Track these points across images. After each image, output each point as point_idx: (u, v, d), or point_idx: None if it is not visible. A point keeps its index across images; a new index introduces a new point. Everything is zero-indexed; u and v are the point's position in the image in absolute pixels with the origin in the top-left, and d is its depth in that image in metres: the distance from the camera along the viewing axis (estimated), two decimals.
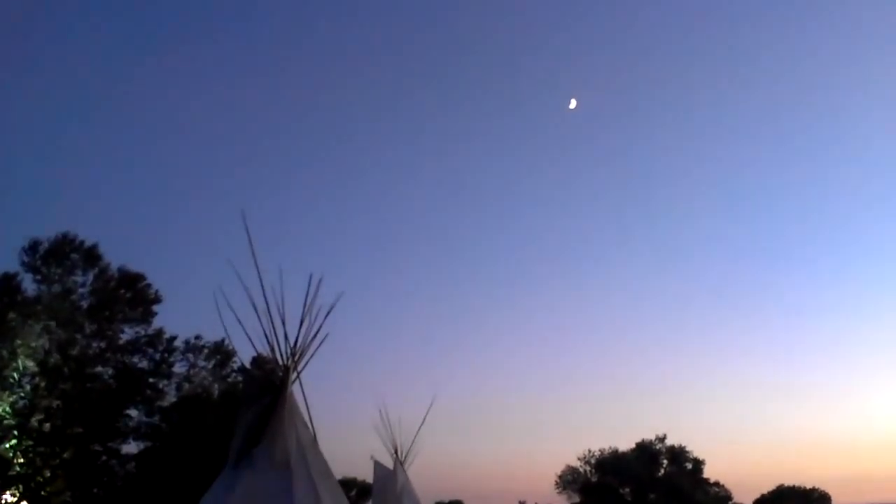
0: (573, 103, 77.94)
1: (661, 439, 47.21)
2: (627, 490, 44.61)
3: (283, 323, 13.70)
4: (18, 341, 33.32)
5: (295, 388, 13.78)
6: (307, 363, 13.96)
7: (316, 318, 13.85)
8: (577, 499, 45.43)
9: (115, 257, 37.39)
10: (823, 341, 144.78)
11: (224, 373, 39.79)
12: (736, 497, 46.10)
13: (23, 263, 34.61)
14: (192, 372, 39.17)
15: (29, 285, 34.59)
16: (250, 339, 13.57)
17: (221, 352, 38.94)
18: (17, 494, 32.78)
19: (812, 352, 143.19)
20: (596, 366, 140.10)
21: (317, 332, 13.88)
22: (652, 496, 42.77)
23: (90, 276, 35.85)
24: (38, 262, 34.75)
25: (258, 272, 13.67)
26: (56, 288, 34.81)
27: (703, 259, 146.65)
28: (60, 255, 35.00)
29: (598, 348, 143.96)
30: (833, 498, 48.16)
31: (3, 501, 32.58)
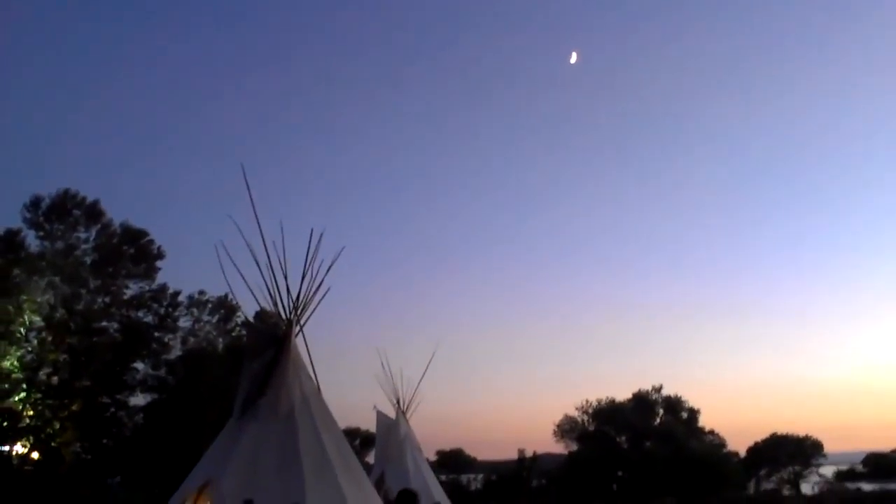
0: (574, 57, 77.30)
1: (658, 390, 47.91)
2: (624, 438, 45.39)
3: (286, 277, 13.99)
4: (24, 296, 33.73)
5: (298, 341, 14.13)
6: (309, 316, 14.30)
7: (317, 272, 14.14)
8: (574, 447, 46.20)
9: (117, 213, 37.63)
10: (817, 294, 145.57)
11: (228, 327, 40.34)
12: (730, 445, 46.96)
13: (25, 220, 34.82)
14: (196, 326, 39.72)
15: (32, 241, 34.89)
16: (253, 294, 13.88)
17: (225, 306, 39.38)
18: (28, 445, 33.59)
19: (805, 304, 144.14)
20: (594, 318, 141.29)
21: (318, 286, 14.18)
22: (647, 444, 43.52)
23: (93, 232, 36.09)
24: (41, 219, 34.93)
25: (259, 227, 13.91)
26: (59, 244, 35.05)
27: (702, 215, 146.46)
28: (62, 211, 35.15)
29: (597, 301, 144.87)
30: (825, 445, 49.25)
31: (15, 452, 33.40)
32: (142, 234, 37.31)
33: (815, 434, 48.99)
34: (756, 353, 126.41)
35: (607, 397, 48.39)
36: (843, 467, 55.65)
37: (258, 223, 13.87)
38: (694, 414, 47.79)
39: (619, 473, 43.13)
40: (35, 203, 35.01)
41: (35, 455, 34.04)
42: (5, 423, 32.04)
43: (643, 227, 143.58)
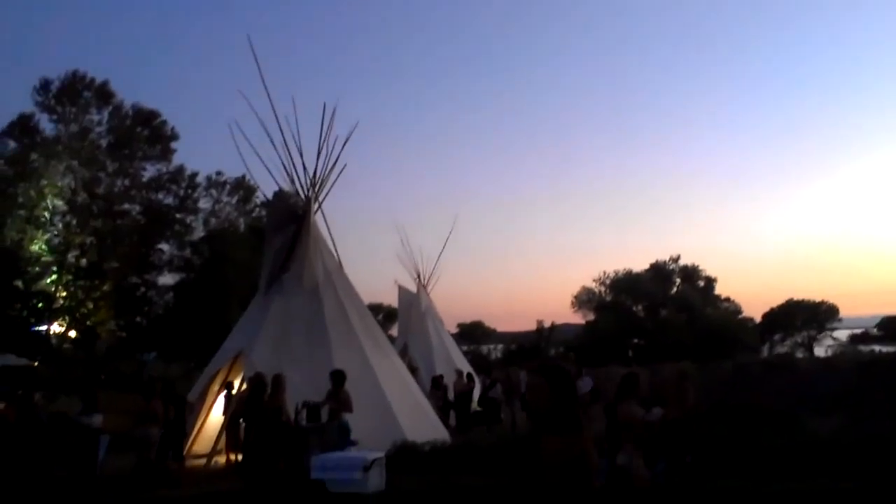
0: None
1: (675, 260, 48.29)
2: (640, 308, 46.24)
3: (301, 154, 13.88)
4: (44, 181, 33.98)
5: (317, 218, 14.21)
6: (327, 193, 14.29)
7: (333, 148, 14.00)
8: (591, 317, 47.26)
9: (127, 95, 37.14)
10: (835, 161, 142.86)
11: (248, 208, 40.67)
12: (746, 312, 47.67)
13: (37, 103, 34.48)
14: (216, 207, 40.05)
15: (46, 125, 34.74)
16: (269, 172, 13.83)
17: (243, 187, 39.50)
18: (64, 325, 34.92)
19: (820, 166, 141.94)
20: (614, 190, 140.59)
21: (335, 163, 14.08)
22: (663, 312, 44.31)
23: (105, 115, 35.77)
24: (52, 102, 34.58)
25: (271, 103, 13.65)
26: (73, 127, 34.87)
27: (715, 77, 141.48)
28: (73, 93, 34.70)
29: (616, 173, 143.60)
30: (841, 310, 49.95)
31: (53, 331, 34.78)
32: (154, 115, 36.94)
33: (831, 299, 49.74)
34: (774, 219, 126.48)
35: (625, 268, 48.95)
36: (858, 331, 56.63)
37: (270, 99, 13.60)
38: (711, 282, 48.39)
39: (636, 341, 44.22)
40: (45, 86, 34.55)
41: (72, 334, 35.47)
42: (40, 305, 33.16)
43: (657, 98, 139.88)
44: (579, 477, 2.80)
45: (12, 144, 34.37)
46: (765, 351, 45.16)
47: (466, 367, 20.60)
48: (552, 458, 2.82)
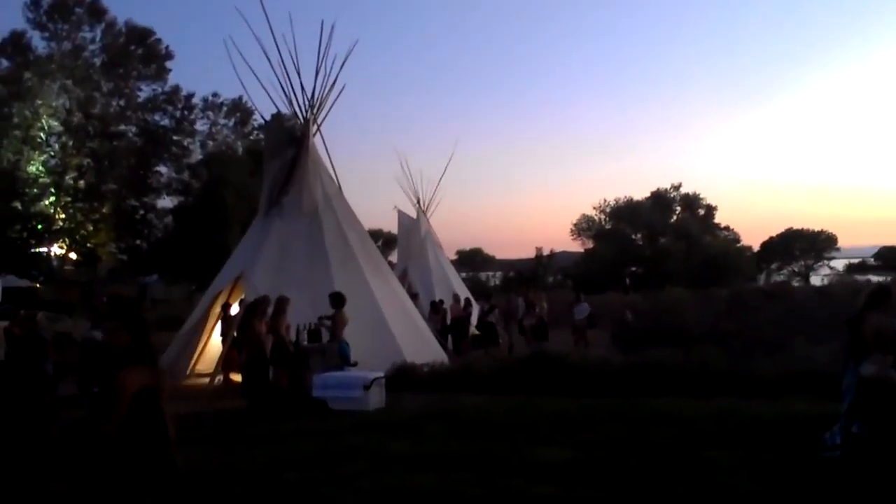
0: None
1: (676, 188, 48.02)
2: (639, 236, 46.20)
3: (299, 74, 13.54)
4: (38, 101, 33.45)
5: (316, 141, 14.00)
6: (326, 115, 14.03)
7: (331, 68, 13.65)
8: (590, 245, 47.26)
9: (119, 11, 36.21)
10: (837, 90, 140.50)
11: (245, 130, 40.23)
12: (744, 240, 47.67)
13: (28, 20, 33.68)
14: (213, 130, 39.63)
15: (39, 43, 33.99)
16: (267, 92, 13.52)
17: (241, 109, 38.97)
18: (65, 246, 35.03)
19: (825, 101, 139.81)
20: (614, 117, 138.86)
21: (333, 83, 13.75)
22: (662, 240, 44.29)
23: (98, 32, 34.98)
24: (44, 18, 33.74)
25: (268, 19, 13.24)
26: (66, 45, 34.12)
27: (719, 12, 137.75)
28: (64, 9, 33.81)
29: (616, 100, 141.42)
30: (839, 240, 49.97)
31: (53, 254, 34.91)
32: (148, 32, 36.11)
33: (830, 229, 49.74)
34: (773, 146, 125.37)
35: (626, 196, 48.71)
36: (855, 260, 56.79)
37: (266, 16, 13.20)
38: (711, 210, 48.33)
39: (633, 269, 44.40)
40: (35, 2, 33.65)
41: (73, 256, 35.61)
42: (40, 226, 33.17)
43: (664, 28, 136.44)
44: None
45: (5, 63, 33.75)
46: (761, 279, 45.40)
47: (465, 293, 20.73)
48: (133, 388, 3.15)
